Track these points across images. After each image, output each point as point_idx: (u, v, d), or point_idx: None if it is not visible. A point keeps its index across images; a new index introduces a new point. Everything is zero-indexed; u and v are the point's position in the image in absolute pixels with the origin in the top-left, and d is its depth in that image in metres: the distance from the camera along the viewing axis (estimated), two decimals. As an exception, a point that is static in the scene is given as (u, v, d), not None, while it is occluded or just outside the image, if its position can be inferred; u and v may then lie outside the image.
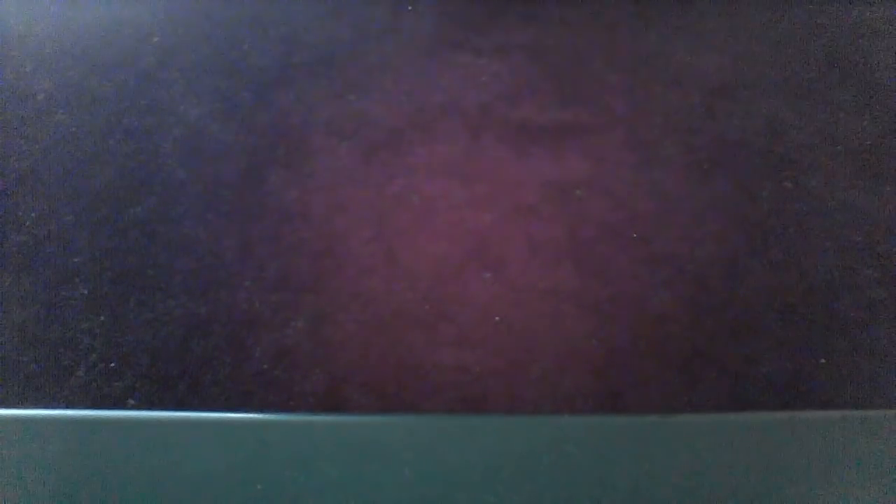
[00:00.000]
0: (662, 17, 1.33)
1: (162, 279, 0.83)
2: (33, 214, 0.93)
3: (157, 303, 0.81)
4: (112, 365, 0.74)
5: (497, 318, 0.79)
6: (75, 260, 0.86)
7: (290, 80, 1.18)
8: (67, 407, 0.70)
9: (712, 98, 1.13)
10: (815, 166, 1.00)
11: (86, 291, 0.82)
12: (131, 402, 0.71)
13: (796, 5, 1.34)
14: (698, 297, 0.81)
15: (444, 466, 0.43)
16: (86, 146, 1.04)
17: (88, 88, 1.16)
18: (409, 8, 1.27)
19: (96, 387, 0.72)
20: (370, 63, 1.21)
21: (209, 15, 1.34)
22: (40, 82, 1.18)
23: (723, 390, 0.71)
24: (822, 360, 0.74)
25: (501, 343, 0.77)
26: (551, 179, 0.98)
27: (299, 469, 0.44)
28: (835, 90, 1.15)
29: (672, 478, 0.43)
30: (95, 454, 0.46)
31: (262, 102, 1.13)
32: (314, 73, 1.19)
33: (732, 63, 1.21)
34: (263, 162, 1.01)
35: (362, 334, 0.78)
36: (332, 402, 0.71)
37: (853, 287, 0.82)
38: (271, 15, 1.31)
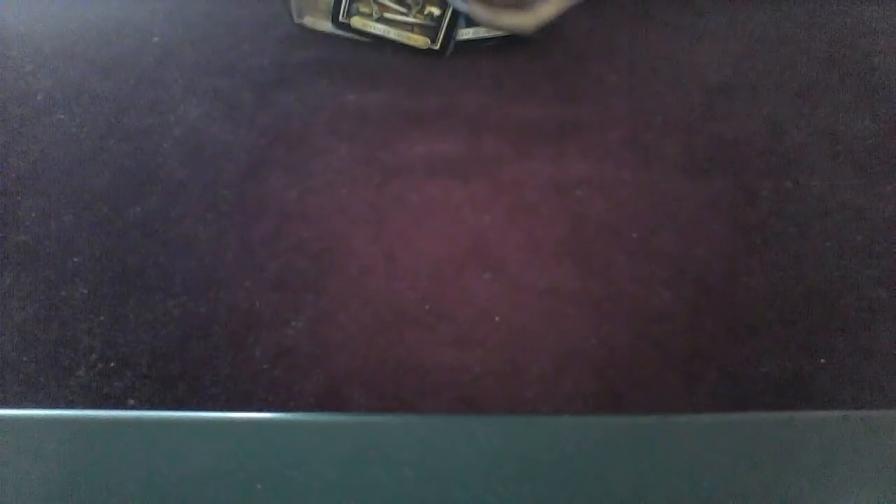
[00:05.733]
0: (662, 16, 1.32)
1: (162, 279, 0.83)
2: (33, 214, 0.93)
3: (157, 303, 0.80)
4: (112, 365, 0.74)
5: (497, 318, 0.79)
6: (75, 260, 0.86)
7: (290, 80, 1.18)
8: (67, 407, 0.70)
9: (712, 98, 1.13)
10: (815, 166, 1.00)
11: (86, 291, 0.82)
12: (131, 402, 0.71)
13: (796, 5, 1.34)
14: (698, 297, 0.81)
15: (444, 466, 0.43)
16: (86, 146, 1.04)
17: (88, 88, 1.16)
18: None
19: (96, 387, 0.72)
20: (370, 63, 1.21)
21: (209, 15, 1.34)
22: (40, 82, 1.18)
23: (723, 390, 0.71)
24: (822, 360, 0.74)
25: (501, 343, 0.77)
26: (551, 179, 0.98)
27: (299, 469, 0.44)
28: (835, 90, 1.15)
29: (672, 478, 0.43)
30: (95, 454, 0.46)
31: (262, 102, 1.13)
32: (314, 73, 1.19)
33: (732, 63, 1.21)
34: (263, 162, 1.01)
35: (362, 334, 0.77)
36: (332, 402, 0.71)
37: (853, 287, 0.82)
38: (271, 15, 1.31)
